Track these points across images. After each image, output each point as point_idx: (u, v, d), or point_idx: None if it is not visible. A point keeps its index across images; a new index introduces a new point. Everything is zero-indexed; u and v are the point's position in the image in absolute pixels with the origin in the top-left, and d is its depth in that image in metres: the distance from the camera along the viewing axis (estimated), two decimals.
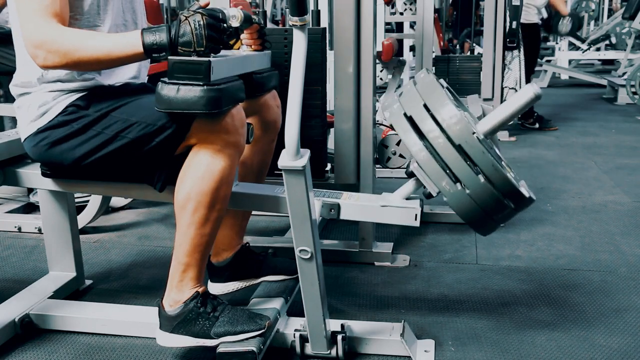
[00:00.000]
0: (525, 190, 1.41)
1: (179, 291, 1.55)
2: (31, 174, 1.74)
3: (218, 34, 1.36)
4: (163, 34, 1.35)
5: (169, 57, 1.35)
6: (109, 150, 1.49)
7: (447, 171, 1.36)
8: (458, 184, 1.37)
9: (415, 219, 1.53)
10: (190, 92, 1.34)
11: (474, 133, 1.33)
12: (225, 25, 1.41)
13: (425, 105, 1.37)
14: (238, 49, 1.74)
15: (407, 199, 1.55)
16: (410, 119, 1.40)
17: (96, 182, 1.66)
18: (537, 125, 5.45)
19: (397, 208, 1.54)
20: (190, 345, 1.56)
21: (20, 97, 1.57)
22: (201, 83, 1.34)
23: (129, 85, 1.63)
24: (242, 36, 1.70)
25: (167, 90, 1.36)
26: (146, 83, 1.72)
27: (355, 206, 1.57)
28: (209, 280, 1.88)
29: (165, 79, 1.36)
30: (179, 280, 1.54)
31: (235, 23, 1.46)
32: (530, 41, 5.21)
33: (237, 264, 1.87)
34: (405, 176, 1.53)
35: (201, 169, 1.45)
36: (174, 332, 1.55)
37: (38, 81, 1.52)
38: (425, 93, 1.38)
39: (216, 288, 1.87)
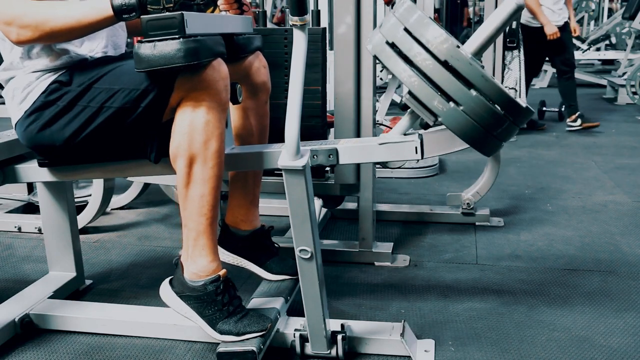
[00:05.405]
0: (520, 100, 1.37)
1: (193, 262, 1.55)
2: (28, 167, 1.74)
3: None
4: None
5: (141, 17, 1.35)
6: (98, 123, 1.49)
7: (439, 92, 1.33)
8: (451, 103, 1.32)
9: (416, 152, 1.50)
10: (167, 46, 1.34)
11: (458, 47, 1.30)
12: None
13: (406, 29, 1.34)
14: None
15: (405, 134, 1.52)
16: (393, 46, 1.36)
17: (92, 165, 1.65)
18: (524, 125, 5.34)
19: (396, 144, 1.51)
20: (190, 319, 1.57)
21: (7, 83, 1.58)
22: (177, 36, 1.33)
23: (109, 57, 1.63)
24: (218, 2, 1.69)
25: (144, 48, 1.35)
26: (125, 52, 1.70)
27: (354, 148, 1.53)
28: None
29: (142, 39, 1.36)
30: (192, 247, 1.54)
31: None
32: (535, 45, 4.94)
33: (252, 243, 1.86)
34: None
35: (185, 124, 1.45)
36: (182, 299, 1.57)
37: (21, 60, 1.53)
38: (405, 18, 1.34)
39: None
